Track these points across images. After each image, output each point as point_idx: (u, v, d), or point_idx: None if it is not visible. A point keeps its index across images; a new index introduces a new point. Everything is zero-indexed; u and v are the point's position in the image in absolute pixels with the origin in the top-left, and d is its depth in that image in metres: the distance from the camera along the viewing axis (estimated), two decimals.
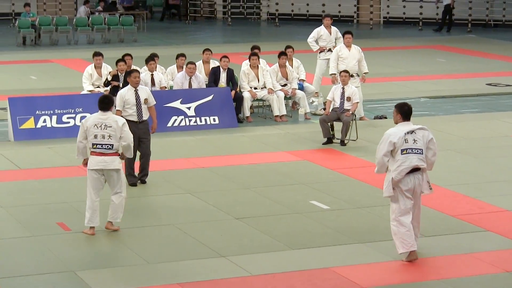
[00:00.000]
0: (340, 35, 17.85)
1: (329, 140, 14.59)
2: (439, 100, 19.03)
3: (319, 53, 18.23)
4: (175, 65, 16.82)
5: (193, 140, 15.02)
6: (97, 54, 16.25)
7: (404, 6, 33.60)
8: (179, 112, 15.76)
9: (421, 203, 10.54)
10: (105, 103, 10.24)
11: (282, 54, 16.72)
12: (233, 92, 16.26)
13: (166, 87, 16.22)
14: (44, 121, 15.06)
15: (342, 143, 14.55)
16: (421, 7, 32.88)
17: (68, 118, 15.20)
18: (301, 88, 17.01)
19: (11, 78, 21.19)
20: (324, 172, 12.99)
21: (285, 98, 16.69)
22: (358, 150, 14.16)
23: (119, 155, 10.25)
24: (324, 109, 15.53)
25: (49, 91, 18.48)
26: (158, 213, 11.07)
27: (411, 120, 9.48)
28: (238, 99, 16.32)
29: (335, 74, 16.29)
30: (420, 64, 23.67)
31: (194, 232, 10.27)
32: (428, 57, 24.99)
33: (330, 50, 17.80)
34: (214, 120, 15.91)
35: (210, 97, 15.95)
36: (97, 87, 16.14)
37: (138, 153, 12.13)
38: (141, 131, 11.93)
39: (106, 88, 15.65)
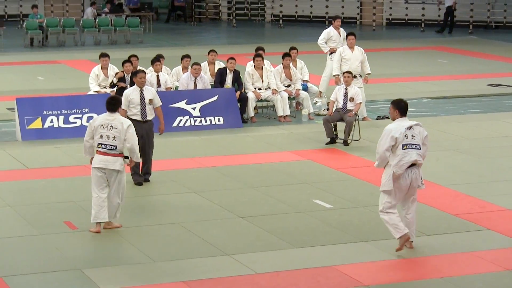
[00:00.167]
0: None
1: (332, 140, 14.65)
2: (441, 100, 19.04)
3: (329, 54, 18.23)
4: (180, 66, 16.84)
5: (198, 140, 15.06)
6: (103, 55, 16.27)
7: (407, 8, 33.62)
8: (184, 112, 15.81)
9: (422, 203, 10.69)
10: (112, 104, 10.36)
11: (286, 55, 16.75)
12: (238, 93, 16.30)
13: (171, 88, 16.25)
14: (51, 121, 15.10)
15: (345, 143, 14.61)
16: (423, 8, 32.92)
17: (75, 118, 15.23)
18: (304, 88, 17.03)
19: (18, 79, 21.24)
20: (328, 172, 13.02)
21: (289, 98, 16.74)
22: (361, 150, 14.20)
23: (124, 156, 10.33)
24: (328, 109, 15.60)
25: (56, 92, 18.53)
26: (163, 212, 11.09)
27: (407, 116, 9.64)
28: (243, 100, 16.37)
29: (338, 75, 16.33)
30: (422, 65, 23.65)
31: (199, 231, 10.31)
32: (430, 58, 24.97)
33: None
34: (219, 120, 15.96)
35: (215, 98, 15.99)
36: (104, 87, 16.16)
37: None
38: (144, 130, 11.99)
39: (112, 89, 15.74)
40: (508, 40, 29.25)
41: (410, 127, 9.50)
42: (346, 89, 14.91)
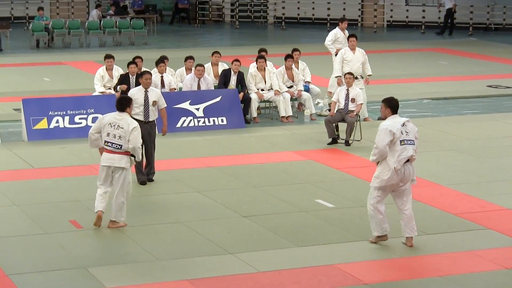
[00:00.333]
0: None
1: (334, 140, 14.71)
2: (441, 101, 19.06)
3: (336, 55, 18.26)
4: (184, 67, 16.90)
5: (202, 140, 15.11)
6: (108, 57, 16.31)
7: (407, 10, 33.68)
8: (188, 113, 15.87)
9: (423, 202, 10.80)
10: (121, 103, 10.51)
11: (288, 56, 16.81)
12: (241, 94, 16.35)
13: (175, 89, 16.31)
14: (57, 121, 15.13)
15: (347, 143, 14.69)
16: (423, 11, 32.96)
17: (80, 118, 15.28)
18: (306, 89, 17.08)
19: (25, 80, 21.27)
20: (329, 172, 13.07)
21: (291, 99, 16.79)
22: (362, 150, 14.23)
23: (130, 155, 10.43)
24: (329, 110, 15.69)
25: (62, 93, 18.57)
26: (167, 211, 11.13)
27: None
28: (246, 101, 16.42)
29: (340, 76, 16.41)
30: (423, 67, 23.67)
31: (203, 230, 10.35)
32: (430, 60, 24.97)
33: None
34: (222, 120, 16.01)
35: (218, 99, 16.04)
36: (108, 88, 16.19)
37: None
38: (145, 131, 12.02)
39: (117, 91, 15.80)
40: (508, 41, 29.23)
41: (403, 124, 9.68)
42: (347, 90, 14.99)
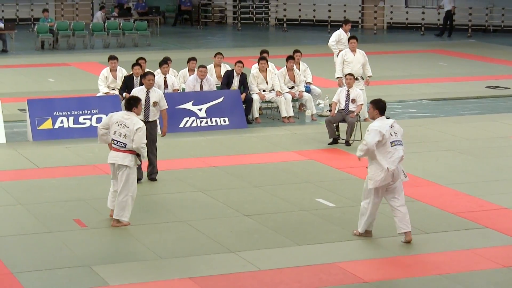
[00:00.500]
0: None
1: (335, 141, 14.77)
2: (440, 102, 19.09)
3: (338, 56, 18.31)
4: (187, 68, 16.96)
5: (204, 140, 15.16)
6: (112, 58, 16.37)
7: (407, 12, 33.77)
8: (190, 113, 15.92)
9: (423, 201, 10.88)
10: (128, 103, 10.64)
11: (290, 58, 16.85)
12: (243, 95, 16.41)
13: (178, 90, 16.37)
14: (62, 122, 15.19)
15: (347, 143, 14.73)
16: (423, 13, 33.03)
17: (84, 119, 15.32)
18: (308, 90, 17.14)
19: (30, 81, 21.31)
20: (330, 171, 13.11)
21: (293, 100, 16.86)
22: None
23: (135, 153, 10.54)
24: (330, 110, 15.73)
25: (66, 93, 18.60)
26: (170, 210, 11.16)
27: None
28: (248, 101, 16.47)
29: (340, 77, 16.47)
30: (422, 68, 23.69)
31: (205, 229, 10.39)
32: (429, 61, 25.00)
33: None
34: (224, 121, 16.07)
35: (220, 99, 16.09)
36: (112, 89, 16.27)
37: None
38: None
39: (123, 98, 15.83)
40: (506, 43, 29.26)
41: (391, 125, 9.83)
42: (348, 91, 15.07)
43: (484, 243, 10.01)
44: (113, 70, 16.42)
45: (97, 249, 9.78)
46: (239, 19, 35.14)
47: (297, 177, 12.80)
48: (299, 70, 17.20)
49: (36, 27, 27.96)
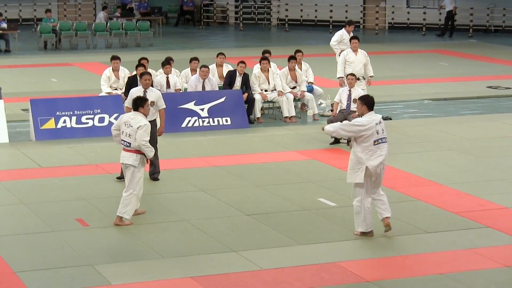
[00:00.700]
0: None
1: (336, 140, 14.77)
2: (441, 102, 19.12)
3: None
4: (189, 68, 17.03)
5: (206, 140, 15.19)
6: (114, 58, 16.40)
7: (408, 12, 33.81)
8: (192, 113, 15.96)
9: (424, 201, 10.88)
10: (135, 103, 10.74)
11: (291, 58, 16.90)
12: (245, 95, 16.46)
13: (180, 89, 16.42)
14: (64, 121, 15.22)
15: (349, 143, 14.77)
16: (424, 13, 33.05)
17: (87, 118, 15.36)
18: (309, 90, 17.18)
19: (32, 81, 21.34)
20: (332, 171, 13.13)
21: (294, 100, 16.90)
22: None
23: (139, 153, 10.59)
24: (332, 110, 15.81)
25: (69, 93, 18.63)
26: (172, 210, 11.20)
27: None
28: (250, 101, 16.51)
29: (342, 77, 16.49)
30: (423, 68, 23.71)
31: (207, 228, 10.42)
32: (431, 61, 25.02)
33: None
34: (226, 121, 16.10)
35: (222, 99, 16.12)
36: (115, 89, 16.32)
37: None
38: None
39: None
40: (507, 43, 29.27)
41: (379, 122, 9.93)
42: (349, 90, 15.11)
43: (485, 242, 10.03)
44: (115, 70, 16.47)
45: (100, 248, 9.80)
46: (241, 19, 35.17)
47: (299, 176, 12.83)
48: (301, 70, 17.23)
49: (39, 27, 28.01)
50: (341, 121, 14.83)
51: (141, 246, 9.86)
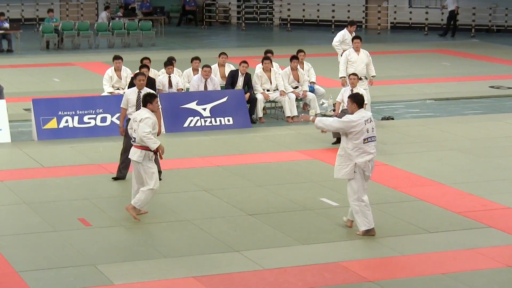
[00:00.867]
0: None
1: (339, 140, 14.66)
2: (443, 102, 19.12)
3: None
4: (191, 68, 17.05)
5: (208, 140, 15.21)
6: (117, 58, 16.37)
7: (411, 12, 33.81)
8: (195, 113, 15.97)
9: (426, 201, 10.88)
10: (144, 99, 10.82)
11: (293, 57, 16.91)
12: (247, 95, 16.48)
13: (182, 89, 16.43)
14: (66, 121, 15.24)
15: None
16: (426, 13, 33.06)
17: (89, 118, 15.38)
18: (311, 90, 17.19)
19: (35, 81, 21.36)
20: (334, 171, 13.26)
21: (297, 99, 16.90)
22: None
23: (144, 148, 10.62)
24: (334, 110, 15.78)
25: (71, 93, 18.64)
26: (175, 209, 11.21)
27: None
28: (252, 101, 16.53)
29: (344, 77, 16.48)
30: (426, 68, 23.72)
31: (209, 228, 10.43)
32: (433, 61, 25.03)
33: None
34: (228, 120, 16.12)
35: (224, 99, 16.15)
36: (117, 89, 16.31)
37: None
38: None
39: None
40: (509, 43, 29.27)
41: (370, 120, 9.99)
42: (352, 90, 15.06)
43: (487, 242, 10.04)
44: (117, 70, 16.45)
45: (102, 248, 9.81)
46: (243, 19, 35.18)
47: (301, 176, 12.84)
48: (303, 70, 17.24)
49: (41, 27, 28.04)
50: None
51: (144, 246, 9.87)
